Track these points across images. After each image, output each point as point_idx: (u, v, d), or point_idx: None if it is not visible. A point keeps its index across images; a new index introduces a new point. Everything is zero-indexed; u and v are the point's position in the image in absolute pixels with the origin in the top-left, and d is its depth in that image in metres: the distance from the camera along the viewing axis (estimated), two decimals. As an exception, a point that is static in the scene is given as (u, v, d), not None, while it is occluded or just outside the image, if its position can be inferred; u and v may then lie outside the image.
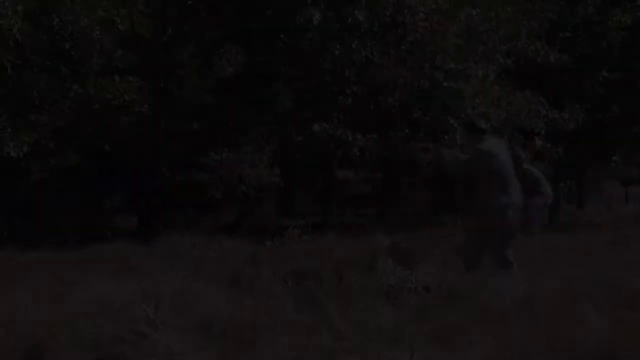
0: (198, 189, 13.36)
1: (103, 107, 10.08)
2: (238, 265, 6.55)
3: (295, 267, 6.04)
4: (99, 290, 5.56)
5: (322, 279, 5.36)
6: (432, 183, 18.59)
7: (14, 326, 4.33)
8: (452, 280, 5.57)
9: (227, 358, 3.78)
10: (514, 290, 5.01)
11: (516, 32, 12.37)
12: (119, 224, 13.46)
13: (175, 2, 12.19)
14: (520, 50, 12.70)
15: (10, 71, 8.34)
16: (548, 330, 4.28)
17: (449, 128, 12.09)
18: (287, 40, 11.21)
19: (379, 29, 11.44)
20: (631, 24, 15.32)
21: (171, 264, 7.17)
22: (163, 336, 3.74)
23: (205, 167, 11.65)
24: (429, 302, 4.96)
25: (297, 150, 12.41)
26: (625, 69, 15.74)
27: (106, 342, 3.76)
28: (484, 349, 4.00)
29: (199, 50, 12.99)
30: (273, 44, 11.28)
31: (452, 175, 9.78)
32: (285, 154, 13.26)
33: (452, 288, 5.35)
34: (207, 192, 12.52)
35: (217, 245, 8.92)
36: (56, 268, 7.25)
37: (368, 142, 11.29)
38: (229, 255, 7.90)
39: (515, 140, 13.52)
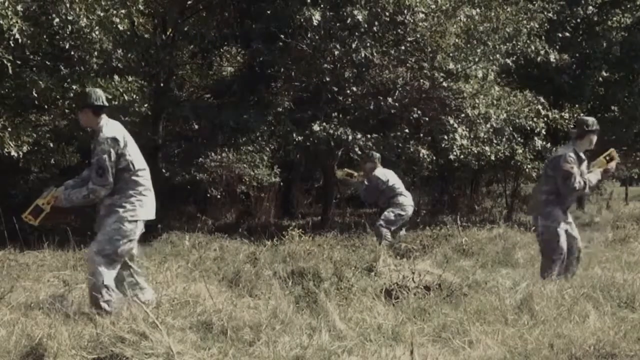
0: (198, 189, 13.33)
1: (103, 107, 10.03)
2: (238, 265, 6.56)
3: (295, 267, 6.05)
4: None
5: (322, 279, 5.36)
6: (432, 183, 18.61)
7: (15, 326, 4.33)
8: (452, 280, 5.57)
9: (227, 358, 3.78)
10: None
11: (516, 32, 12.36)
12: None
13: (175, 2, 12.18)
14: (520, 50, 12.70)
15: (10, 71, 8.29)
16: (548, 330, 4.28)
17: (449, 128, 12.09)
18: (287, 40, 11.19)
19: (379, 29, 11.42)
20: (631, 24, 15.33)
21: (171, 263, 7.17)
22: (163, 336, 3.74)
23: (205, 167, 11.61)
24: (429, 302, 4.97)
25: (297, 150, 12.38)
26: (625, 69, 15.75)
27: (106, 342, 3.76)
28: (484, 349, 4.00)
29: (199, 50, 12.97)
30: (273, 44, 11.26)
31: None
32: (285, 154, 13.25)
33: (452, 288, 5.35)
34: (207, 192, 12.50)
35: (217, 245, 8.91)
36: (56, 268, 7.25)
37: (368, 142, 11.28)
38: (229, 255, 7.90)
39: (515, 140, 13.56)
